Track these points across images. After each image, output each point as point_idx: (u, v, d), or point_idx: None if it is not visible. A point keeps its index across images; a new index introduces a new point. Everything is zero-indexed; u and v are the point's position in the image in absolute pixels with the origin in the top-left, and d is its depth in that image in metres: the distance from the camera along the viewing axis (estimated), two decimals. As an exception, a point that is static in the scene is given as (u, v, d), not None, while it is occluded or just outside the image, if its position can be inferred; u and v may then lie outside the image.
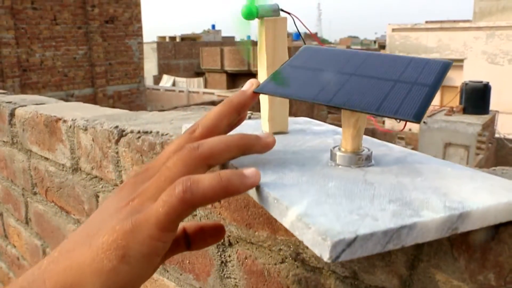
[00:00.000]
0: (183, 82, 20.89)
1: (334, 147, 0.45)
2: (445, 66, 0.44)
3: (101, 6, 9.44)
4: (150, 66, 22.43)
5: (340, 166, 0.43)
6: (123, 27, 9.96)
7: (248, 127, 0.62)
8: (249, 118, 0.81)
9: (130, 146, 0.75)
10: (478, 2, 17.22)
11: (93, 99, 9.62)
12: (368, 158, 0.44)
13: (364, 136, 0.51)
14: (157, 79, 22.54)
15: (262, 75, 0.58)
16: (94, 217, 0.39)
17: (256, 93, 0.46)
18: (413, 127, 12.63)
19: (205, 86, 22.01)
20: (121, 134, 0.77)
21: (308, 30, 0.60)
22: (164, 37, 30.44)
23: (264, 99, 0.59)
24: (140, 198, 0.37)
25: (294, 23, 0.59)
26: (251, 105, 0.46)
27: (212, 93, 16.42)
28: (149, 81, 20.50)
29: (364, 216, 0.32)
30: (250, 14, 0.56)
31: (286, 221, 0.34)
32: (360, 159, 0.43)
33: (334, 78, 0.44)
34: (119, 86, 10.08)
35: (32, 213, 1.16)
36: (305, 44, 0.63)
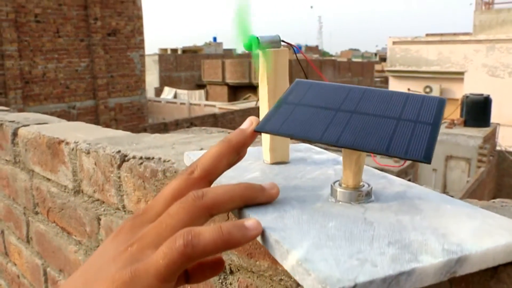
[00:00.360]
0: (184, 94, 20.95)
1: (334, 182, 0.46)
2: (441, 103, 0.45)
3: (103, 19, 9.50)
4: (151, 78, 22.51)
5: (340, 202, 0.44)
6: (125, 40, 10.01)
7: (248, 155, 0.63)
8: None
9: (132, 172, 0.76)
10: (478, 15, 17.29)
11: (94, 111, 9.65)
12: (368, 194, 0.44)
13: (365, 167, 0.51)
14: (158, 91, 22.61)
15: (264, 108, 0.58)
16: (91, 262, 0.38)
17: (256, 132, 0.45)
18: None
19: (207, 99, 22.06)
20: (123, 159, 0.78)
21: (310, 61, 0.61)
22: (165, 50, 30.58)
23: (265, 129, 0.60)
24: (140, 244, 0.36)
25: (295, 55, 0.60)
26: (250, 144, 0.45)
27: (214, 106, 16.47)
28: (150, 93, 20.57)
29: (363, 261, 0.32)
30: (251, 46, 0.56)
31: (287, 265, 0.34)
32: (360, 196, 0.44)
33: (336, 116, 0.45)
34: (120, 98, 10.11)
35: (33, 232, 1.16)
36: (298, 54, 0.63)
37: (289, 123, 0.45)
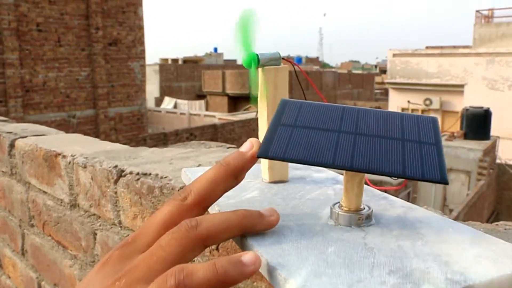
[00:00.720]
0: (184, 105, 20.99)
1: (334, 204, 0.45)
2: (435, 122, 0.46)
3: (105, 28, 9.54)
4: (152, 88, 22.56)
5: (340, 226, 0.43)
6: (126, 50, 10.04)
7: (247, 173, 0.62)
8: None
9: (129, 188, 0.75)
10: (477, 29, 17.38)
11: (94, 120, 9.65)
12: (369, 217, 0.43)
13: (365, 186, 0.50)
14: (158, 101, 22.65)
15: (263, 126, 0.57)
16: None
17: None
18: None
19: (207, 109, 22.10)
20: (120, 174, 0.77)
21: (309, 79, 0.60)
22: (166, 60, 30.69)
23: (264, 147, 0.59)
24: (128, 278, 0.33)
25: (295, 72, 0.59)
26: (250, 168, 0.42)
27: (214, 116, 16.49)
28: (150, 103, 20.60)
29: None
30: (251, 63, 0.56)
31: None
32: (361, 219, 0.43)
33: (340, 138, 0.43)
34: (120, 108, 10.11)
35: (28, 245, 1.15)
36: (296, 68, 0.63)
37: (293, 147, 0.42)
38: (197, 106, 21.54)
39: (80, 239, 0.92)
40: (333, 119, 0.46)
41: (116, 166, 0.78)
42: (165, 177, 0.70)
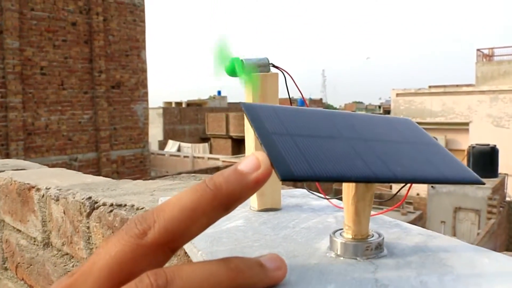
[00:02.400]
0: (188, 148, 20.96)
1: (334, 232, 0.36)
2: (411, 121, 0.44)
3: (108, 72, 9.61)
4: (155, 131, 22.64)
5: (342, 258, 0.33)
6: (129, 92, 10.08)
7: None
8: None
9: (101, 221, 0.65)
10: (479, 67, 17.49)
11: (96, 164, 9.57)
12: (379, 246, 0.34)
13: (372, 213, 0.41)
14: (162, 144, 22.66)
15: (250, 144, 0.49)
16: None
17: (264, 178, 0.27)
18: (421, 191, 12.45)
19: (210, 152, 22.06)
20: (93, 206, 0.68)
21: (299, 89, 0.52)
22: (170, 103, 30.93)
23: (251, 168, 0.50)
24: None
25: (285, 80, 0.51)
26: (249, 197, 0.29)
27: (217, 159, 16.42)
28: (154, 146, 20.60)
29: None
30: (233, 70, 0.48)
31: None
32: (369, 249, 0.33)
33: (357, 147, 0.34)
34: (123, 151, 10.06)
35: (3, 291, 1.04)
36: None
37: (315, 162, 0.30)
38: (201, 149, 21.51)
39: (52, 282, 0.81)
40: (325, 125, 0.36)
41: (89, 198, 0.69)
42: (142, 208, 0.61)
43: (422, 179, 0.32)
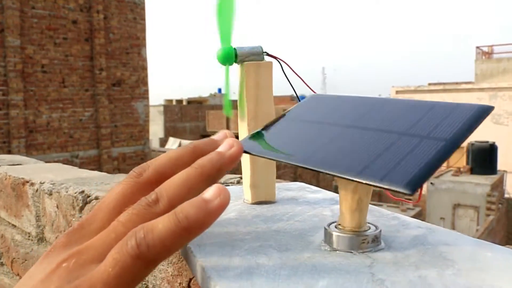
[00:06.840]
0: (189, 144, 20.95)
1: (329, 224, 0.34)
2: (480, 112, 0.31)
3: (108, 69, 9.59)
4: (156, 129, 22.63)
5: (337, 251, 0.32)
6: (129, 90, 10.06)
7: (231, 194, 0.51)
8: (238, 182, 0.70)
9: (94, 215, 0.64)
10: (479, 64, 17.44)
11: (97, 161, 9.56)
12: (376, 239, 0.32)
13: (370, 206, 0.39)
14: (163, 142, 22.65)
15: (243, 131, 0.47)
16: None
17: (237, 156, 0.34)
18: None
19: (211, 148, 22.05)
20: (86, 200, 0.66)
21: (299, 76, 0.50)
22: (171, 100, 30.86)
23: (245, 160, 0.48)
24: (80, 258, 0.27)
25: (282, 69, 0.49)
26: (228, 170, 0.35)
27: (218, 155, 16.43)
28: (155, 144, 20.58)
29: None
30: (227, 58, 0.46)
31: None
32: (365, 242, 0.32)
33: (324, 132, 0.33)
34: (124, 148, 10.05)
35: (-1, 287, 1.03)
36: (296, 94, 0.53)
37: (275, 142, 0.33)
38: (202, 146, 21.48)
39: (46, 278, 0.80)
40: (343, 111, 0.36)
41: (82, 192, 0.68)
42: (135, 202, 0.59)
43: (326, 169, 0.30)
